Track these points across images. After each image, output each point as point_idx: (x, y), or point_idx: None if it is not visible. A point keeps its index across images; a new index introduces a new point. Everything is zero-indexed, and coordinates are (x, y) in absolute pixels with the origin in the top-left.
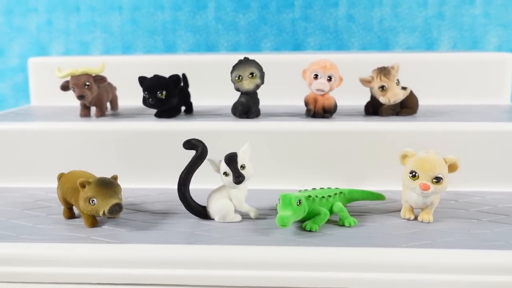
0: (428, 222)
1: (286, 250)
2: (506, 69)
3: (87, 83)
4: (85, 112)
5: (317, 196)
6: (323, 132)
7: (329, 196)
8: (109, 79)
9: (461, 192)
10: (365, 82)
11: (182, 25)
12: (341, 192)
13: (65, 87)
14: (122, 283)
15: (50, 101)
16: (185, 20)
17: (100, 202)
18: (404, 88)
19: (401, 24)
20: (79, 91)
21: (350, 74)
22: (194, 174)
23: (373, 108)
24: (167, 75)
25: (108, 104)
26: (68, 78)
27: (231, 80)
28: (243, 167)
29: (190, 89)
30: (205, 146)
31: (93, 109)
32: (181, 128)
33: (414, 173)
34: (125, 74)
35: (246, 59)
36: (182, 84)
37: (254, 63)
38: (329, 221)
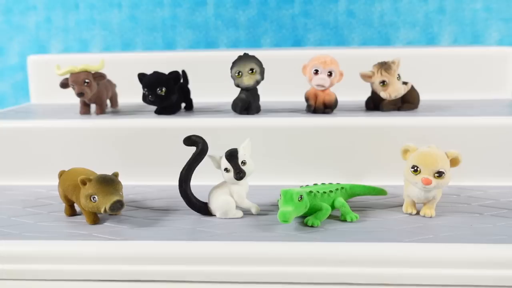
0: (430, 217)
1: (288, 245)
2: (507, 63)
3: (87, 81)
4: (85, 109)
5: (318, 192)
6: (324, 127)
7: (331, 191)
8: (109, 76)
9: (463, 187)
10: (365, 77)
11: (182, 21)
12: (342, 188)
13: (64, 84)
14: (124, 279)
15: (50, 99)
16: (185, 17)
17: (101, 199)
18: (405, 83)
19: (401, 19)
20: (78, 89)
21: (350, 69)
22: (195, 170)
23: (374, 103)
24: (166, 72)
25: (108, 101)
26: (68, 76)
27: (231, 76)
28: (244, 163)
29: (190, 86)
30: (206, 142)
31: (93, 107)
32: (181, 124)
33: (416, 168)
34: (125, 71)
35: (246, 55)
36: (182, 81)
37: (254, 59)
38: (330, 217)
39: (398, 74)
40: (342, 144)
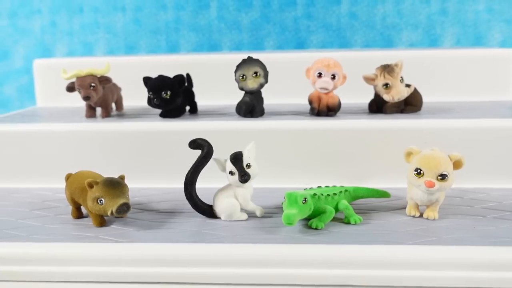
0: (434, 219)
1: (292, 248)
2: (510, 65)
3: (93, 84)
4: (90, 113)
5: (322, 194)
6: (327, 130)
7: (335, 194)
8: (113, 80)
9: (466, 189)
10: (368, 80)
11: (185, 24)
12: (346, 190)
13: (70, 88)
14: (130, 281)
15: (56, 102)
16: (188, 20)
17: (108, 201)
18: (408, 86)
19: (404, 21)
20: (84, 92)
21: (353, 72)
22: (200, 173)
23: (377, 106)
24: (171, 75)
25: (113, 105)
26: (74, 79)
27: (235, 79)
28: (248, 166)
29: (194, 89)
30: (211, 145)
31: (98, 110)
32: (186, 127)
33: (419, 171)
34: (129, 74)
35: (250, 58)
36: (186, 84)
37: (258, 62)
38: (334, 219)
39: (401, 77)
40: (346, 147)
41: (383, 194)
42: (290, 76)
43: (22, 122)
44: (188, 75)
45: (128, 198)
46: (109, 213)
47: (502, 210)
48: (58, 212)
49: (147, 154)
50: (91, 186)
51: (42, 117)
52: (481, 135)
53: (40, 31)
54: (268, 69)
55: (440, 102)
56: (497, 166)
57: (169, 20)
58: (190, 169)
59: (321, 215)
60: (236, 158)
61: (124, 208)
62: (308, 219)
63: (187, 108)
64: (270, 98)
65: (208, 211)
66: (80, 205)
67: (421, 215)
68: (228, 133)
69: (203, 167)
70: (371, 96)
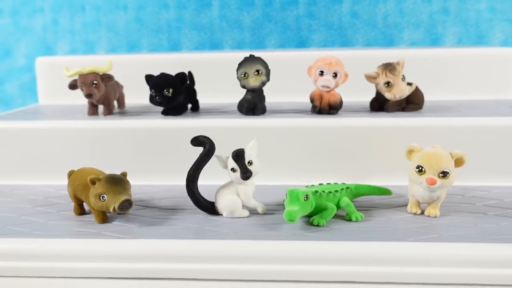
0: (435, 217)
1: (293, 244)
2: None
3: (95, 82)
4: (93, 110)
5: (324, 191)
6: (329, 128)
7: (336, 191)
8: (115, 78)
9: (468, 187)
10: (370, 78)
11: (187, 23)
12: (347, 187)
13: (73, 86)
14: (132, 277)
15: (58, 100)
16: (190, 18)
17: (110, 198)
18: (409, 84)
19: (405, 19)
20: (87, 90)
21: (355, 70)
22: (202, 170)
23: (379, 104)
24: (172, 73)
25: (115, 103)
26: (76, 77)
27: (237, 77)
28: (250, 163)
29: (196, 87)
30: (213, 142)
31: (100, 108)
32: (188, 125)
33: (420, 168)
34: (131, 72)
35: (251, 56)
36: (188, 82)
37: (259, 60)
38: (336, 216)
39: (403, 75)
40: (347, 145)
41: (384, 191)
42: (291, 75)
43: (25, 119)
44: (190, 73)
45: (130, 194)
46: (111, 209)
47: (503, 208)
48: (61, 208)
49: (149, 151)
50: (93, 182)
51: (44, 115)
52: (482, 133)
53: (42, 29)
54: (270, 68)
55: (442, 101)
56: (498, 164)
57: (171, 19)
58: (192, 166)
59: (322, 212)
60: (238, 155)
61: (126, 205)
62: (309, 216)
63: (189, 106)
64: (271, 96)
65: (210, 208)
66: (83, 201)
67: (422, 213)
68: (230, 130)
69: (205, 164)
70: (373, 95)
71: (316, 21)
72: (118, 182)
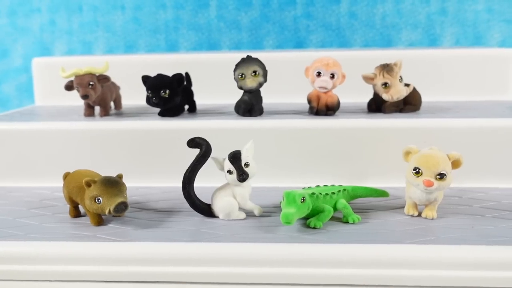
0: (432, 219)
1: (290, 247)
2: (509, 64)
3: (91, 83)
4: (89, 111)
5: (321, 193)
6: (326, 129)
7: (333, 193)
8: (112, 78)
9: (465, 188)
10: (368, 79)
11: (184, 23)
12: (344, 189)
13: (69, 87)
14: (128, 280)
15: (54, 101)
16: (187, 19)
17: (106, 200)
18: (407, 85)
19: (403, 20)
20: (83, 91)
21: (352, 71)
22: (198, 172)
23: (376, 105)
24: (170, 74)
25: (112, 104)
26: (72, 78)
27: (234, 78)
28: (247, 165)
29: (193, 88)
30: (209, 144)
31: (97, 109)
32: (184, 126)
33: (417, 170)
34: (128, 73)
35: (249, 57)
36: (185, 83)
37: (257, 61)
38: (333, 218)
39: (400, 76)
40: (344, 146)
41: (381, 193)
42: (289, 75)
43: (21, 120)
44: (187, 74)
45: (126, 197)
46: (106, 212)
47: (500, 210)
48: (56, 211)
49: (145, 153)
50: (88, 185)
51: (41, 116)
52: (480, 135)
53: (39, 30)
54: (267, 68)
55: (439, 102)
56: (495, 165)
57: (169, 19)
58: (188, 168)
59: (319, 214)
60: (235, 157)
61: (121, 207)
62: (306, 218)
63: (186, 107)
64: (269, 97)
65: (206, 210)
66: (78, 204)
67: (419, 215)
68: (226, 132)
69: (201, 166)
70: (370, 96)
71: (314, 21)
72: (113, 184)
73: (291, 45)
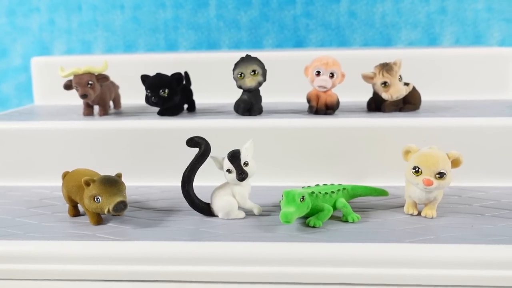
0: (432, 218)
1: (290, 246)
2: (509, 63)
3: (90, 82)
4: (88, 111)
5: (320, 192)
6: (325, 128)
7: (333, 192)
8: (111, 78)
9: (464, 187)
10: (367, 78)
11: (184, 23)
12: (344, 188)
13: (68, 86)
14: (127, 279)
15: (53, 100)
16: (187, 18)
17: (105, 200)
18: (406, 84)
19: (403, 19)
20: (82, 90)
21: (352, 70)
22: (198, 171)
23: (376, 104)
24: (169, 73)
25: (111, 103)
26: (71, 77)
27: (233, 77)
28: (246, 164)
29: (193, 87)
30: (208, 143)
31: (96, 108)
32: (184, 126)
33: (417, 169)
34: (127, 72)
35: (248, 56)
36: (184, 82)
37: (256, 60)
38: (332, 217)
39: (400, 75)
40: (344, 145)
41: (381, 192)
42: (288, 75)
43: (20, 120)
44: (186, 73)
45: (125, 196)
46: (106, 211)
47: (500, 209)
48: (55, 210)
49: (145, 152)
50: (88, 184)
51: (40, 115)
52: (479, 134)
53: (38, 29)
54: (266, 68)
55: (439, 101)
56: (495, 164)
57: (168, 18)
58: (188, 167)
59: (319, 213)
60: (234, 156)
61: (121, 206)
62: (306, 217)
63: (185, 106)
64: (268, 96)
65: (205, 209)
66: (77, 203)
67: (419, 214)
68: (226, 131)
69: (200, 165)
70: (370, 95)
71: (313, 20)
72: (112, 183)
73: (291, 44)
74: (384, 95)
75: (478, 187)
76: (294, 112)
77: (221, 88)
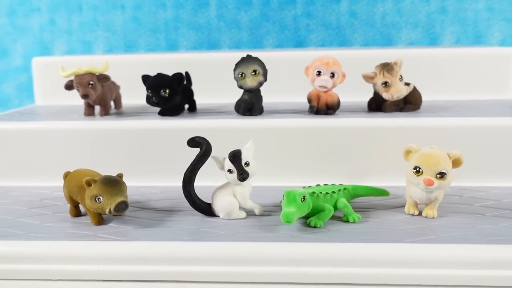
0: (433, 218)
1: (291, 246)
2: (510, 63)
3: (91, 82)
4: (89, 111)
5: (321, 193)
6: (326, 128)
7: (333, 192)
8: (112, 78)
9: (465, 187)
10: (368, 78)
11: (184, 23)
12: (345, 188)
13: (69, 86)
14: (128, 279)
15: (54, 101)
16: (187, 18)
17: (106, 200)
18: (407, 84)
19: (403, 19)
20: (83, 90)
21: (353, 70)
22: (199, 171)
23: (376, 104)
24: (170, 73)
25: (112, 103)
26: (72, 78)
27: (234, 77)
28: (247, 164)
29: (193, 87)
30: (209, 143)
31: (97, 108)
32: (185, 126)
33: (418, 169)
34: (128, 72)
35: (249, 56)
36: (185, 82)
37: (257, 60)
38: (333, 217)
39: (400, 75)
40: (345, 145)
41: (382, 192)
42: (289, 75)
43: (21, 120)
44: (187, 73)
45: (126, 196)
46: (107, 211)
47: (501, 209)
48: (56, 210)
49: (146, 152)
50: (89, 184)
51: (41, 115)
52: (480, 134)
53: (39, 29)
54: (267, 68)
55: (439, 101)
56: (496, 164)
57: (169, 18)
58: (189, 167)
59: (319, 213)
60: (235, 156)
61: (122, 206)
62: (306, 217)
63: (186, 106)
64: (269, 96)
65: (206, 209)
66: (78, 203)
67: (420, 214)
68: (226, 131)
69: (201, 165)
70: (370, 95)
71: (314, 20)
72: (114, 183)
73: (291, 44)
74: (385, 95)
75: (479, 187)
76: (295, 112)
77: (222, 88)
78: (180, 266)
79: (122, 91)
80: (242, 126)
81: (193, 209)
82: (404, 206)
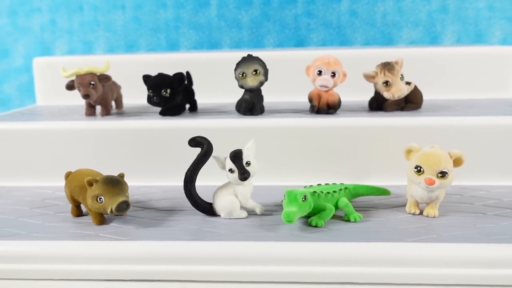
0: (434, 217)
1: (292, 245)
2: (511, 62)
3: (92, 82)
4: (90, 111)
5: (322, 192)
6: (327, 128)
7: (334, 191)
8: (113, 78)
9: (466, 186)
10: (369, 77)
11: (185, 22)
12: (346, 188)
13: (70, 86)
14: (130, 279)
15: (56, 101)
16: (188, 18)
17: (108, 200)
18: (408, 83)
19: (404, 18)
20: (84, 91)
21: (353, 69)
22: (200, 171)
23: (377, 104)
24: (171, 73)
25: (113, 103)
26: (73, 78)
27: (235, 77)
28: (248, 163)
29: (194, 87)
30: (210, 143)
31: (98, 108)
32: (186, 125)
33: (419, 168)
34: (129, 72)
35: (249, 56)
36: (186, 82)
37: (257, 60)
38: (334, 217)
39: (401, 74)
40: (346, 145)
41: (383, 191)
42: (290, 74)
43: (22, 120)
44: (188, 73)
45: (127, 196)
46: (108, 211)
47: (502, 208)
48: (58, 210)
49: (147, 152)
50: (90, 184)
51: (42, 115)
52: (481, 133)
53: (40, 29)
54: (268, 67)
55: (440, 100)
56: (497, 163)
57: (169, 18)
58: (190, 167)
59: (321, 213)
60: (236, 156)
61: (123, 206)
62: (308, 216)
63: (187, 106)
64: (270, 96)
65: (207, 209)
66: (80, 203)
67: (421, 213)
68: (227, 131)
69: (202, 165)
70: (371, 94)
71: (314, 20)
72: (115, 183)
73: (292, 44)
74: (386, 94)
75: (480, 186)
76: (296, 111)
77: (222, 88)
78: (182, 266)
79: (123, 91)
80: (243, 125)
81: (194, 208)
82: (405, 205)
